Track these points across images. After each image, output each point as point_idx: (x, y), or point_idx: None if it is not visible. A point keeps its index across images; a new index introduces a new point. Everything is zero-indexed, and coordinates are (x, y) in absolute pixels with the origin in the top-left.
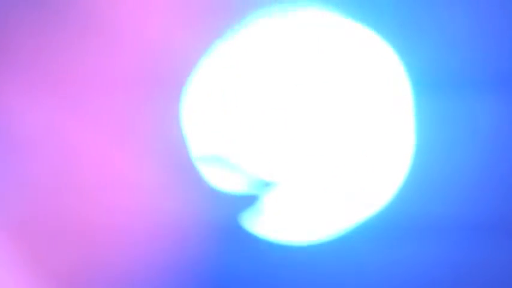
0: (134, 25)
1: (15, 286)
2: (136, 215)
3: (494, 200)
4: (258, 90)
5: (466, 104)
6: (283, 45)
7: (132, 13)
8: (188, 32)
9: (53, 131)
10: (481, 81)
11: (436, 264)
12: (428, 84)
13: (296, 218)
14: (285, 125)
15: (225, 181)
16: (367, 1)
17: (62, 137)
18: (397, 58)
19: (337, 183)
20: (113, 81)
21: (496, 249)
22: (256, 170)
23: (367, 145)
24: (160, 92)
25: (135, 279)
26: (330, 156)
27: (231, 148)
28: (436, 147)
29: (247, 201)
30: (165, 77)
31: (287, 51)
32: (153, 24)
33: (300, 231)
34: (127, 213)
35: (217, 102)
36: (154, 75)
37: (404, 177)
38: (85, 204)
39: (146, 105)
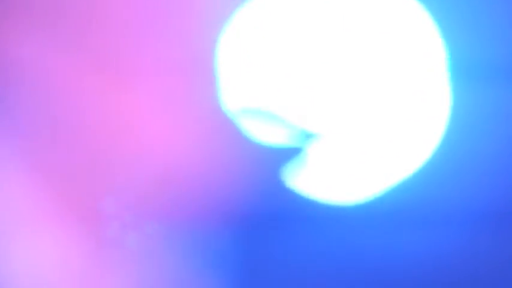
0: None
1: (46, 229)
2: (174, 171)
3: None
4: (298, 42)
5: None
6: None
7: None
8: None
9: (90, 92)
10: None
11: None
12: (465, 53)
13: (335, 174)
14: (325, 77)
15: (265, 134)
16: None
17: (101, 96)
18: (434, 25)
19: (375, 142)
20: (147, 38)
21: None
22: (297, 121)
23: (405, 106)
24: (195, 46)
25: (172, 238)
26: (370, 113)
27: (271, 100)
28: (471, 107)
29: (289, 154)
30: (199, 30)
31: (323, 8)
32: None
33: (338, 189)
34: (164, 169)
35: (254, 53)
36: (187, 29)
37: (439, 141)
38: (123, 160)
39: (181, 62)
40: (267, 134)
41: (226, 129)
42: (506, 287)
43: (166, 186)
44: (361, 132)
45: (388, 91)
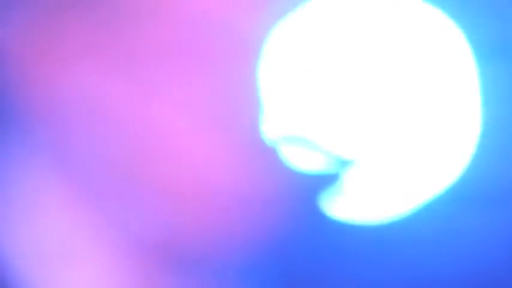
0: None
1: (86, 250)
2: (208, 195)
3: None
4: (332, 66)
5: None
6: (350, 19)
7: None
8: (254, 8)
9: (126, 105)
10: None
11: (503, 240)
12: (495, 61)
13: (369, 197)
14: (356, 100)
15: (301, 160)
16: None
17: (135, 111)
18: (464, 38)
19: (406, 162)
20: (184, 58)
21: None
22: (333, 148)
23: (435, 124)
24: (232, 68)
25: (205, 260)
26: (400, 135)
27: (308, 126)
28: (502, 129)
29: (325, 181)
30: (236, 54)
31: (354, 26)
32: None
33: (373, 211)
34: (198, 193)
35: (291, 78)
36: (225, 52)
37: (470, 157)
38: (156, 180)
39: (219, 83)
40: (304, 161)
41: (265, 156)
42: None
43: (205, 213)
44: (394, 156)
45: (420, 118)
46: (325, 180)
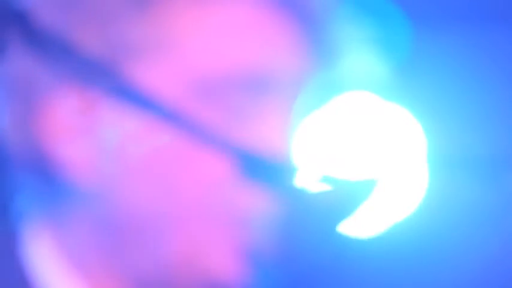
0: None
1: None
2: (228, 222)
3: None
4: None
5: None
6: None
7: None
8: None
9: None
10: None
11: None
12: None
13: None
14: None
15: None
16: (403, 88)
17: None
18: (419, 126)
19: (383, 193)
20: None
21: None
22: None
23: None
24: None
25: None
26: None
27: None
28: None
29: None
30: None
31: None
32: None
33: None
34: (217, 218)
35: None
36: (259, 91)
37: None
38: (179, 214)
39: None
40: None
41: (282, 182)
42: None
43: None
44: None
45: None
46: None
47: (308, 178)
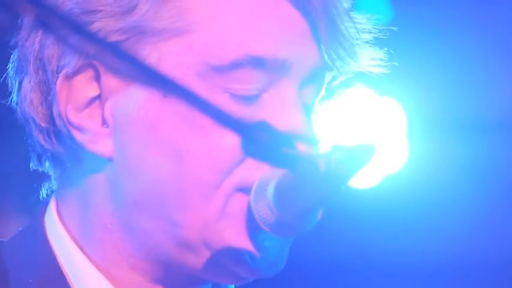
0: None
1: None
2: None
3: None
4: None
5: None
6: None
7: None
8: None
9: None
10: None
11: None
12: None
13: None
14: None
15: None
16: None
17: None
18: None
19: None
20: None
21: None
22: None
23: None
24: None
25: None
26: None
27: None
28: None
29: None
30: None
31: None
32: None
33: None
34: None
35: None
36: None
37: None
38: None
39: None
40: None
41: None
42: None
43: None
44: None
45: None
46: None
47: (316, 148)
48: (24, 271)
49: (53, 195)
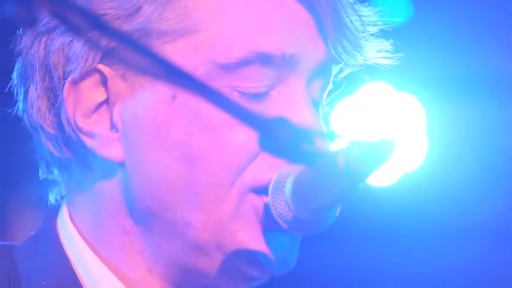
0: None
1: None
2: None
3: None
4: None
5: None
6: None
7: None
8: None
9: None
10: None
11: None
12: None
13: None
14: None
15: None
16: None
17: None
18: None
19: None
20: None
21: None
22: None
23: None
24: None
25: None
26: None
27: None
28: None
29: None
30: None
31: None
32: None
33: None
34: None
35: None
36: None
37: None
38: None
39: None
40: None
41: None
42: None
43: None
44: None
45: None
46: None
47: (335, 143)
48: (38, 274)
49: (63, 200)
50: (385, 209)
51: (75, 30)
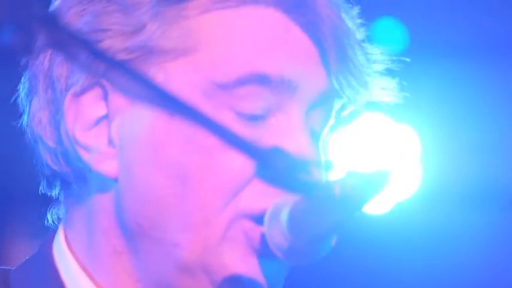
0: None
1: None
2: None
3: None
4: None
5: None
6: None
7: None
8: None
9: None
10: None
11: None
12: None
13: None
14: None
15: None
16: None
17: None
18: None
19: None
20: None
21: None
22: None
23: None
24: None
25: None
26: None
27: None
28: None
29: None
30: None
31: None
32: None
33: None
34: None
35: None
36: None
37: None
38: None
39: None
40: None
41: None
42: None
43: None
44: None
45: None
46: None
47: (330, 174)
48: None
49: (61, 222)
50: (378, 237)
51: (72, 58)
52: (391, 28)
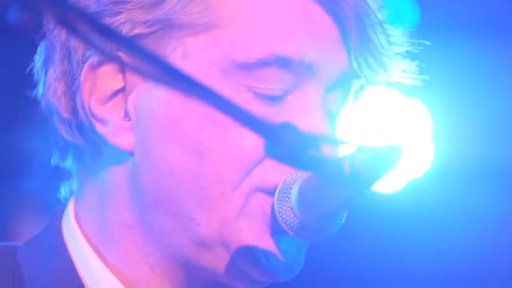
0: None
1: None
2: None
3: None
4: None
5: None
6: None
7: None
8: None
9: None
10: None
11: None
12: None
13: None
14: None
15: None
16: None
17: None
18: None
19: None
20: None
21: None
22: None
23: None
24: None
25: None
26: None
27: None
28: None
29: None
30: None
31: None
32: None
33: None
34: None
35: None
36: None
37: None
38: None
39: None
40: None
41: None
42: None
43: None
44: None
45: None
46: None
47: (342, 149)
48: (41, 276)
49: (71, 196)
50: (390, 216)
51: (84, 39)
52: (402, 3)
